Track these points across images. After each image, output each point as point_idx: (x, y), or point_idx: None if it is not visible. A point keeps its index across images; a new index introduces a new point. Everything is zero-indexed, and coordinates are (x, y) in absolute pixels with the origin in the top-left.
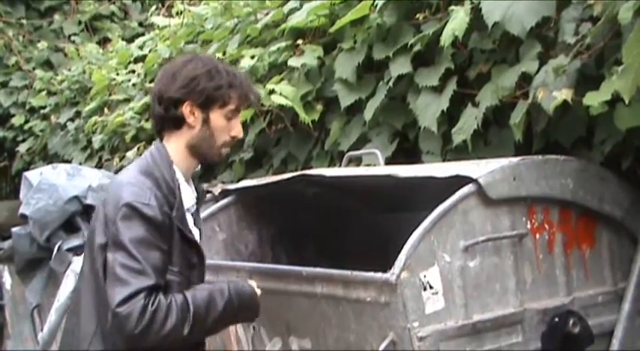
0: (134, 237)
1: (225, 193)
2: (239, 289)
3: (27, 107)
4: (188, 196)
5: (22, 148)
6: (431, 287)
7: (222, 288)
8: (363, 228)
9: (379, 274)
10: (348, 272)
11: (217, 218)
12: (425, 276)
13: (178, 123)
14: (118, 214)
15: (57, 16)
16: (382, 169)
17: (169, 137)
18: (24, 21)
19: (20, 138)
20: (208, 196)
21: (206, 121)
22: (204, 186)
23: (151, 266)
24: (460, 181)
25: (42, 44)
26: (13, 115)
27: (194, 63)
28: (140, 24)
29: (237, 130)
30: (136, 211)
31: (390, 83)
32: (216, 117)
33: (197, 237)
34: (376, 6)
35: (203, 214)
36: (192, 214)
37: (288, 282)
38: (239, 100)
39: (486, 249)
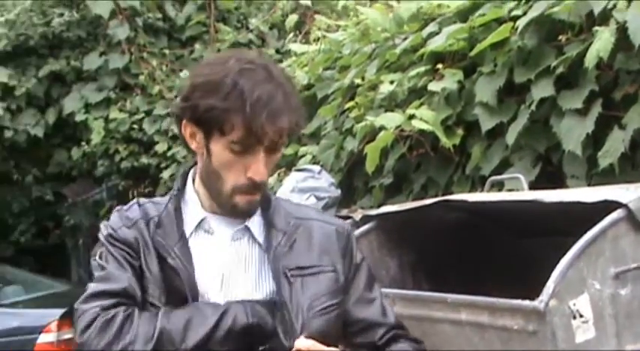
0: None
1: (365, 219)
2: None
3: (170, 134)
4: (193, 219)
5: (165, 174)
6: (581, 316)
7: (209, 309)
8: (505, 253)
9: (527, 302)
10: (493, 299)
11: (359, 243)
12: (574, 304)
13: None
14: None
15: (197, 46)
16: (526, 194)
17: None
18: (166, 51)
19: (163, 165)
20: (348, 221)
21: (208, 151)
22: (345, 212)
23: (114, 274)
24: (608, 206)
25: (184, 73)
26: (157, 143)
27: (210, 67)
28: (277, 51)
29: (254, 171)
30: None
31: (533, 106)
32: (218, 148)
33: (214, 265)
34: (517, 28)
35: None
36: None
37: (432, 308)
38: (245, 133)
39: (638, 277)
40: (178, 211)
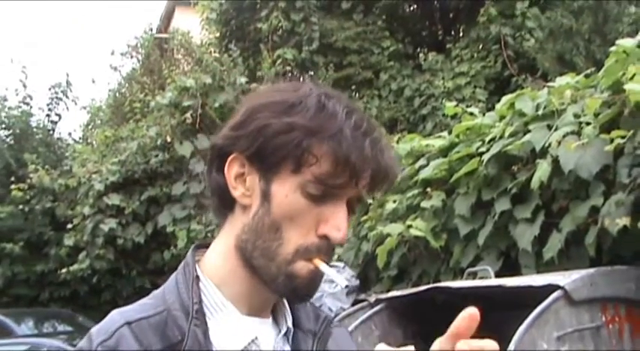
0: None
1: (378, 301)
2: None
3: None
4: (238, 334)
5: None
6: None
7: None
8: (481, 325)
9: None
10: None
11: (373, 319)
12: None
13: (225, 197)
14: None
15: None
16: (493, 281)
17: (220, 230)
18: None
19: None
20: (365, 303)
21: (266, 198)
22: (362, 296)
23: None
24: (551, 288)
25: None
26: None
27: (278, 92)
28: None
29: (334, 226)
30: None
31: (496, 217)
32: (284, 190)
33: None
34: (483, 161)
35: (363, 316)
36: None
37: None
38: (334, 167)
39: (573, 338)
40: (193, 335)
